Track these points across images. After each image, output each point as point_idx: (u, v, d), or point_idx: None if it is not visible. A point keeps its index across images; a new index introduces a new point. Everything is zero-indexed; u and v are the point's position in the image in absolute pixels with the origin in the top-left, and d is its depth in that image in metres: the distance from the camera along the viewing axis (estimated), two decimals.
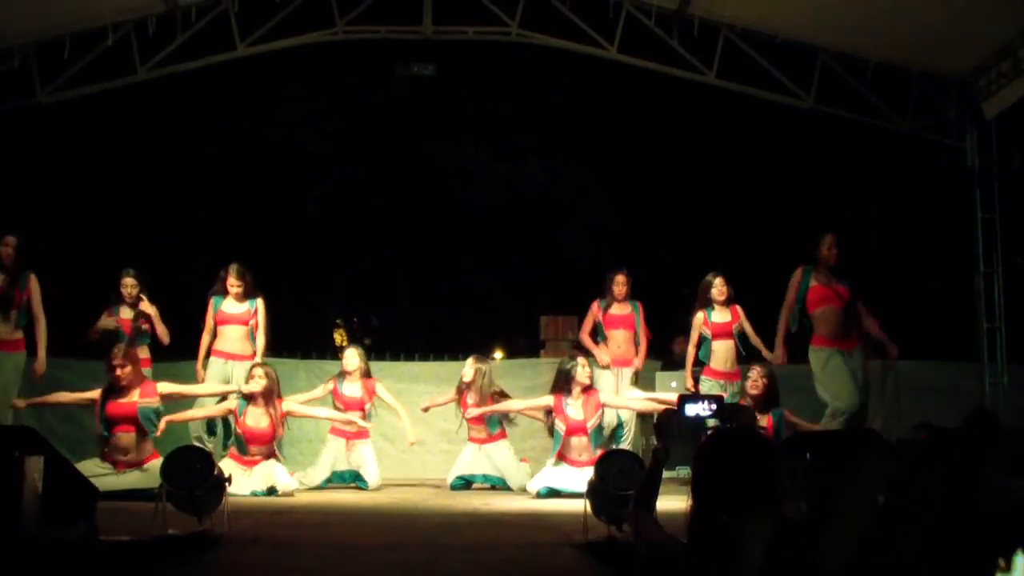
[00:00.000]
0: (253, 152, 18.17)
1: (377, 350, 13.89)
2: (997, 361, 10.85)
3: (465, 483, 9.94)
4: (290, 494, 8.86)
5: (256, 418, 9.11)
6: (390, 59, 12.19)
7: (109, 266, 10.27)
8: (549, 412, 9.19)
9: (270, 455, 9.14)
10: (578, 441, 9.02)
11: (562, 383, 9.16)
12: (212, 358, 9.89)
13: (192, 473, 5.94)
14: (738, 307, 10.04)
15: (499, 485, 9.86)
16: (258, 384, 9.18)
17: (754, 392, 8.86)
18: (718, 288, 9.94)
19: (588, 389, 9.15)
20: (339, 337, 22.20)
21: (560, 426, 9.04)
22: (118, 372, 8.55)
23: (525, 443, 10.97)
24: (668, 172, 18.35)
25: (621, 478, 5.90)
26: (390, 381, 11.19)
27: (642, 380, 10.36)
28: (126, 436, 8.44)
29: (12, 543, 5.13)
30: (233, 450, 9.21)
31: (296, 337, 9.57)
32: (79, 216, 15.90)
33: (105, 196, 16.20)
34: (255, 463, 9.05)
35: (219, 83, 14.59)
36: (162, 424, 8.64)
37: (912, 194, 14.41)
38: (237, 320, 9.95)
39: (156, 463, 8.15)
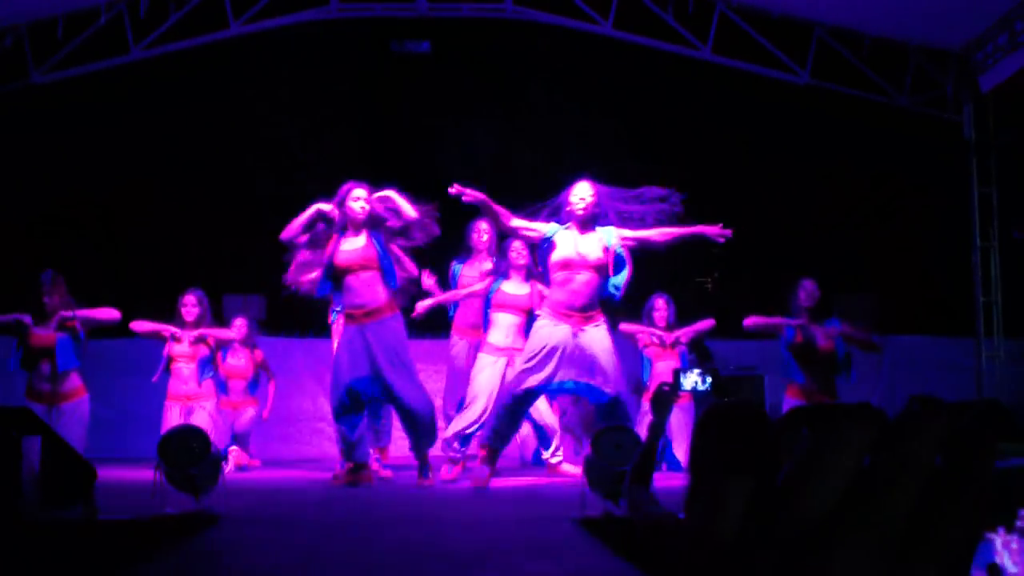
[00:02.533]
0: (250, 133, 18.13)
1: None
2: (993, 335, 10.86)
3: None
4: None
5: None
6: (385, 37, 12.16)
7: (107, 248, 10.20)
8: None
9: None
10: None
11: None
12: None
13: (189, 452, 5.95)
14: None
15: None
16: None
17: None
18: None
19: None
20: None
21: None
22: (44, 299, 8.40)
23: None
24: (665, 151, 18.33)
25: (618, 454, 5.91)
26: None
27: None
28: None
29: (12, 525, 5.14)
30: None
31: (294, 316, 9.58)
32: (76, 198, 15.85)
33: (101, 178, 16.15)
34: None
35: (215, 64, 14.55)
36: None
37: (908, 168, 14.38)
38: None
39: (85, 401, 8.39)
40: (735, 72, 11.52)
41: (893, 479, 0.65)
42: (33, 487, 5.48)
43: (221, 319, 10.82)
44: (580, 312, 7.53)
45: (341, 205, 7.66)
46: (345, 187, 7.73)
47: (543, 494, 7.39)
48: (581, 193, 7.68)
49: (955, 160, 11.30)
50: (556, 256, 7.56)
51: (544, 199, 7.87)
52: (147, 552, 4.62)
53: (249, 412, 9.84)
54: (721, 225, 7.71)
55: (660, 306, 9.71)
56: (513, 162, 19.21)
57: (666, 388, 4.00)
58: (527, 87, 18.27)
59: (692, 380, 4.27)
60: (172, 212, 17.42)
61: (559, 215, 7.73)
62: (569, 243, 7.57)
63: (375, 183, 7.85)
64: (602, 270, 7.56)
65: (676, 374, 4.28)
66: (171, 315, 9.20)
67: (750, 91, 13.34)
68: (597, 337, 7.53)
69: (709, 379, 4.32)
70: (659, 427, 3.89)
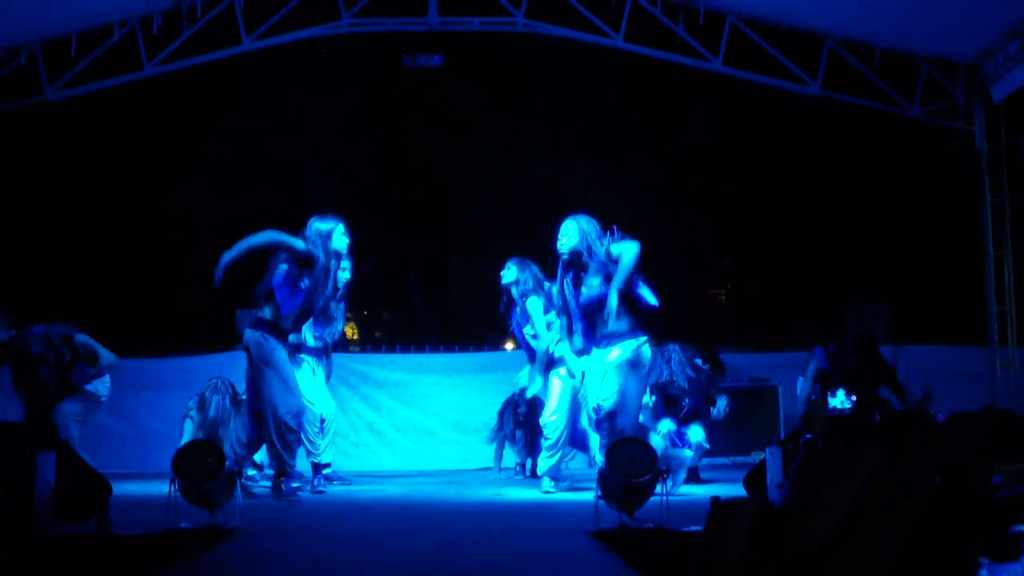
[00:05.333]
0: (263, 147, 18.18)
1: (388, 343, 13.91)
2: (1008, 345, 10.84)
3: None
4: None
5: None
6: (397, 52, 12.20)
7: (120, 259, 10.23)
8: None
9: None
10: None
11: None
12: None
13: (203, 468, 5.96)
14: None
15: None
16: None
17: None
18: None
19: None
20: (350, 331, 22.23)
21: None
22: None
23: None
24: (677, 162, 18.33)
25: (632, 466, 5.90)
26: (402, 373, 11.21)
27: None
28: None
29: (26, 540, 5.16)
30: None
31: None
32: (89, 211, 15.93)
33: (112, 192, 16.23)
34: None
35: (227, 78, 14.61)
36: None
37: (921, 179, 14.38)
38: None
39: None
40: (746, 83, 11.52)
41: (892, 503, 0.66)
42: (47, 501, 5.50)
43: (235, 336, 10.87)
44: (596, 339, 7.57)
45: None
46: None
47: (557, 507, 7.39)
48: (563, 235, 7.73)
49: (967, 170, 11.28)
50: (580, 298, 7.61)
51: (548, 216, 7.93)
52: (162, 566, 4.63)
53: None
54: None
55: None
56: (525, 174, 19.26)
57: (816, 407, 4.06)
58: (538, 100, 18.31)
59: (834, 402, 4.34)
60: (185, 225, 17.49)
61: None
62: (578, 284, 7.62)
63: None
64: (607, 297, 7.50)
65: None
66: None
67: (761, 102, 13.35)
68: (609, 359, 7.53)
69: (853, 398, 4.40)
70: (814, 444, 3.91)
